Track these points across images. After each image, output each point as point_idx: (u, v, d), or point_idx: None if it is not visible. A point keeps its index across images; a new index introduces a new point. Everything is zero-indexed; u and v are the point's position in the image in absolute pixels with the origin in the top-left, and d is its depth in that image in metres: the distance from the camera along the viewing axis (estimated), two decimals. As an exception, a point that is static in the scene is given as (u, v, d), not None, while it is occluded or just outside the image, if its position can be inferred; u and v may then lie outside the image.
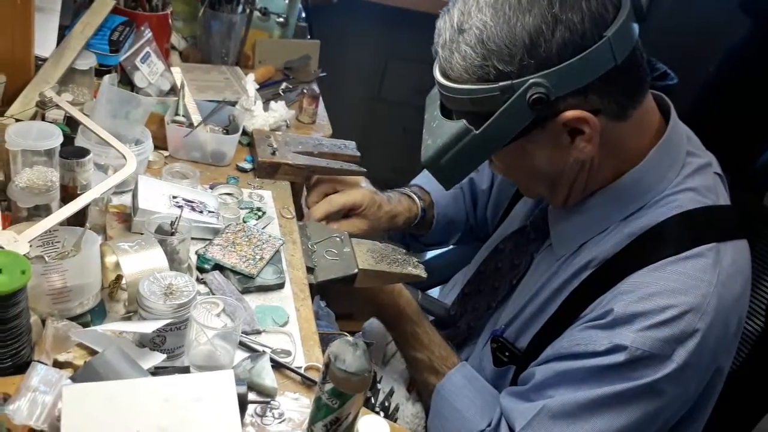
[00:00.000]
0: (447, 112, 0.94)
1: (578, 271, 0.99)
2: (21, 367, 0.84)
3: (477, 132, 0.88)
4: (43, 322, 0.91)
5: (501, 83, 0.84)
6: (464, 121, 0.89)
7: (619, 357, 0.88)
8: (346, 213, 1.32)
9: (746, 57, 2.65)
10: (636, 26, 0.88)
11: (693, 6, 3.16)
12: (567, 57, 0.82)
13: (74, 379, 0.81)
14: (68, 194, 1.03)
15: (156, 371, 0.89)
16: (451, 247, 1.60)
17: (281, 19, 1.80)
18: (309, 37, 1.95)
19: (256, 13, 1.74)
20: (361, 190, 1.32)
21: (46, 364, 0.84)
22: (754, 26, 2.70)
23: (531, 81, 0.83)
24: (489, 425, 1.01)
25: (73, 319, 0.94)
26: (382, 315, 1.21)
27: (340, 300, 1.28)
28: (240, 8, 1.69)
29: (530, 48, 0.82)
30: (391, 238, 1.48)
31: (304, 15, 1.98)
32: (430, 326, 1.17)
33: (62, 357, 0.87)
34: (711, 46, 2.89)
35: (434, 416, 1.11)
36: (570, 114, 0.86)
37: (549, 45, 0.82)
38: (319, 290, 1.19)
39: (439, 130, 0.93)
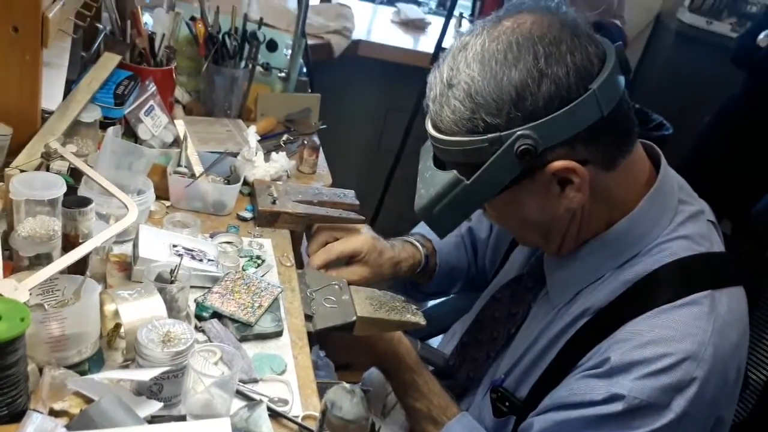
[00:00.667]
0: (439, 163, 0.96)
1: (574, 320, 0.99)
2: (17, 415, 0.84)
3: (468, 182, 0.90)
4: (41, 370, 0.91)
5: (489, 135, 0.86)
6: (455, 171, 0.91)
7: (617, 406, 0.87)
8: (348, 261, 1.32)
9: (741, 108, 2.70)
10: (622, 78, 0.90)
11: (688, 59, 3.25)
12: (553, 110, 0.85)
13: (69, 427, 0.81)
14: (70, 243, 1.04)
15: (152, 420, 0.88)
16: (451, 295, 1.60)
17: (283, 74, 1.85)
18: (310, 90, 1.99)
19: (259, 68, 1.79)
20: (360, 237, 1.33)
21: (41, 413, 0.84)
22: (748, 79, 2.76)
23: (519, 133, 0.85)
24: None
25: (70, 367, 0.93)
26: (381, 364, 1.21)
27: (339, 349, 1.27)
28: (243, 63, 1.74)
29: (517, 101, 0.85)
30: (392, 287, 1.48)
31: (305, 70, 2.04)
32: (430, 375, 1.16)
33: (58, 405, 0.86)
34: (705, 98, 2.95)
35: None
36: (558, 164, 0.87)
37: (535, 98, 0.84)
38: (318, 339, 1.19)
39: (431, 180, 0.95)
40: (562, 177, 0.89)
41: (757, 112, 2.60)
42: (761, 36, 2.74)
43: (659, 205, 0.97)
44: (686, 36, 3.30)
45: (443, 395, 1.13)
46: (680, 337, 0.88)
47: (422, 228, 1.46)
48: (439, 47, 2.59)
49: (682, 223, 0.97)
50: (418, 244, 1.39)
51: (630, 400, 0.86)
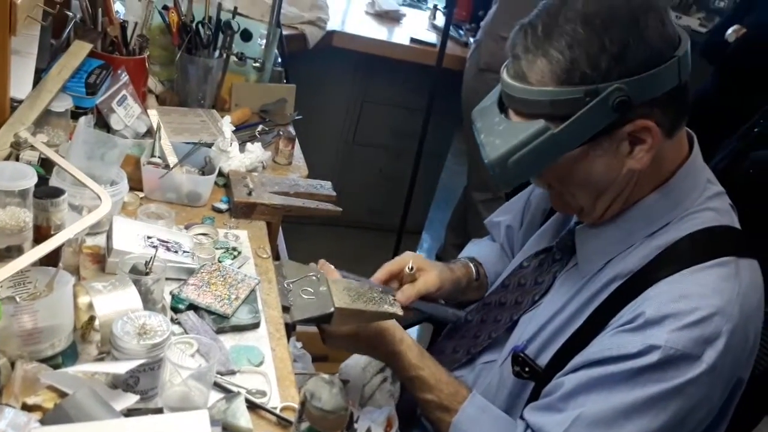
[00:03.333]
0: (509, 115, 0.98)
1: (605, 285, 1.02)
2: (-12, 410, 0.82)
3: (555, 130, 0.92)
4: (12, 364, 0.89)
5: (586, 86, 0.90)
6: (542, 120, 0.93)
7: (653, 357, 0.90)
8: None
9: (711, 101, 2.75)
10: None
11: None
12: (645, 69, 0.89)
13: (43, 422, 0.80)
14: (41, 235, 1.02)
15: (129, 413, 0.87)
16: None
17: (257, 64, 1.83)
18: (285, 81, 1.98)
19: (233, 58, 1.76)
20: (432, 272, 1.30)
21: (14, 407, 0.83)
22: (717, 72, 2.81)
23: (616, 86, 0.89)
24: None
25: (43, 361, 0.91)
26: (387, 363, 1.24)
27: (341, 344, 1.27)
28: (216, 53, 1.72)
29: (617, 56, 0.89)
30: None
31: (280, 60, 2.02)
32: (436, 365, 1.17)
33: (31, 400, 0.85)
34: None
35: None
36: (640, 123, 0.92)
37: (634, 56, 0.89)
38: (323, 339, 1.19)
39: (509, 131, 0.96)
40: (635, 137, 0.93)
41: (726, 105, 2.64)
42: (729, 31, 2.79)
43: (692, 178, 1.02)
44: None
45: (451, 382, 1.15)
46: (710, 293, 0.92)
47: (464, 254, 1.46)
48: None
49: (710, 197, 1.02)
50: (466, 260, 1.41)
51: (666, 350, 0.89)
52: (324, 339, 1.19)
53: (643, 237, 1.01)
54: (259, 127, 1.71)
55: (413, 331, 1.90)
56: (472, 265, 1.40)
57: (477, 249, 1.47)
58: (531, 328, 1.11)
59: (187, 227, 1.29)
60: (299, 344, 1.45)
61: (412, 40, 2.87)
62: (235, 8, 1.74)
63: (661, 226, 1.01)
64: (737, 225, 1.04)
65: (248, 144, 1.56)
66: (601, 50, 0.89)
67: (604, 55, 0.89)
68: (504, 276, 1.27)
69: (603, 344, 0.96)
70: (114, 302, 0.95)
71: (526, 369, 1.07)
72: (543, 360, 1.06)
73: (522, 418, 1.03)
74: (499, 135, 0.97)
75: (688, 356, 0.90)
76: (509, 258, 1.40)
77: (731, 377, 0.96)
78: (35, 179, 1.02)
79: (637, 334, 0.93)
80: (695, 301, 0.91)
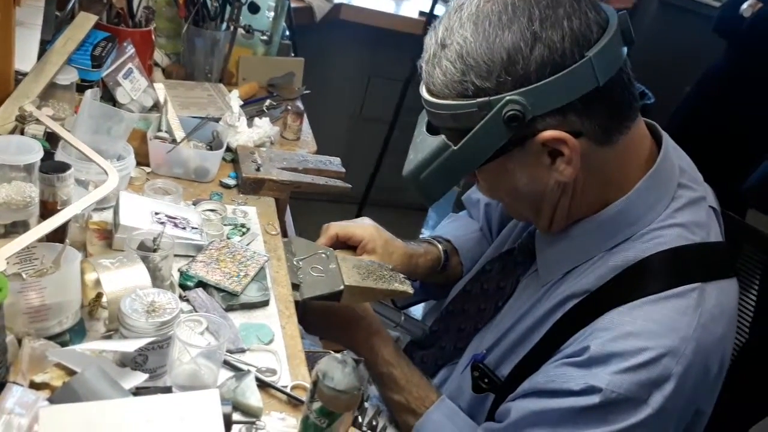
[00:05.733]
0: (432, 129, 0.93)
1: (561, 302, 0.97)
2: (-4, 388, 0.81)
3: (455, 148, 0.87)
4: (20, 341, 0.88)
5: (479, 99, 0.84)
6: (443, 136, 0.89)
7: (594, 399, 0.85)
8: (356, 251, 1.27)
9: (724, 77, 2.70)
10: (623, 49, 0.87)
11: (671, 28, 3.23)
12: (545, 75, 0.82)
13: (51, 400, 0.78)
14: (48, 210, 1.00)
15: (138, 391, 0.86)
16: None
17: (265, 37, 1.80)
18: (293, 54, 1.94)
19: (240, 31, 1.73)
20: (362, 225, 1.28)
21: (22, 386, 0.82)
22: (729, 47, 2.75)
23: (507, 98, 0.82)
24: None
25: (51, 338, 0.90)
26: (357, 353, 1.16)
27: (317, 329, 1.25)
28: (224, 25, 1.69)
29: (508, 65, 0.82)
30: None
31: (288, 33, 1.98)
32: (408, 365, 1.15)
33: (39, 378, 0.84)
34: (688, 67, 2.95)
35: None
36: (548, 134, 0.84)
37: (527, 62, 0.81)
38: (300, 317, 1.17)
39: (421, 145, 0.92)
40: (553, 148, 0.86)
41: (739, 81, 2.60)
42: (744, 6, 2.72)
43: (656, 189, 0.94)
44: (670, 5, 3.28)
45: (422, 385, 1.12)
46: (663, 332, 0.86)
47: (439, 230, 1.42)
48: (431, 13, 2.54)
49: (679, 209, 0.94)
50: (434, 241, 1.35)
51: (607, 394, 0.84)
52: (306, 327, 1.17)
53: (603, 251, 0.94)
54: (267, 102, 1.68)
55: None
56: (440, 247, 1.33)
57: (456, 229, 1.39)
58: (491, 337, 1.07)
59: (195, 203, 1.28)
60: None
61: (421, 13, 2.82)
62: (243, -21, 1.70)
63: (621, 240, 0.93)
64: (715, 237, 0.95)
65: (256, 119, 1.54)
66: (491, 59, 0.82)
67: (494, 64, 0.82)
68: (466, 280, 1.22)
69: (549, 374, 0.91)
70: (122, 279, 0.94)
71: (486, 380, 1.04)
72: (503, 371, 1.02)
73: None
74: (414, 149, 0.93)
75: (630, 400, 0.85)
76: (489, 241, 1.34)
77: (687, 412, 0.91)
78: (41, 153, 1.00)
79: (580, 370, 0.87)
80: (644, 340, 0.85)
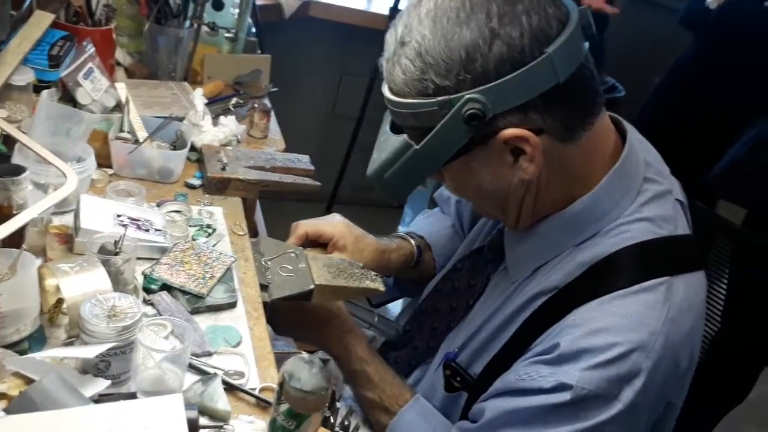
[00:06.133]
0: (395, 128, 0.92)
1: (531, 299, 0.96)
2: (-50, 400, 0.78)
3: (417, 147, 0.86)
4: (-25, 351, 0.85)
5: (439, 98, 0.83)
6: (405, 136, 0.88)
7: (564, 396, 0.85)
8: (326, 249, 1.25)
9: (691, 68, 2.73)
10: (584, 44, 0.86)
11: (639, 21, 3.26)
12: (504, 73, 0.80)
13: (8, 410, 0.76)
14: (3, 215, 0.97)
15: (100, 399, 0.84)
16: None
17: (230, 34, 1.77)
18: (260, 52, 1.92)
19: (204, 28, 1.70)
20: (332, 222, 1.26)
21: (-23, 396, 0.79)
22: (697, 39, 2.78)
23: (467, 96, 0.81)
24: None
25: (8, 346, 0.88)
26: (330, 351, 1.16)
27: (288, 329, 1.23)
28: (187, 23, 1.66)
29: (466, 62, 0.81)
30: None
31: (254, 30, 1.96)
32: (382, 362, 1.13)
33: (-4, 388, 0.81)
34: (657, 59, 2.97)
35: None
36: (509, 132, 0.84)
37: (486, 60, 0.80)
38: (269, 318, 1.15)
39: (384, 145, 0.91)
40: (515, 146, 0.85)
41: (707, 72, 2.62)
42: (710, -1, 2.76)
43: (622, 183, 0.93)
44: (638, -2, 3.31)
45: (395, 383, 1.10)
46: (631, 327, 0.85)
47: (415, 226, 1.40)
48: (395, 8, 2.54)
49: (645, 203, 0.93)
50: (408, 237, 1.33)
51: (578, 391, 0.84)
52: (275, 328, 1.15)
53: (571, 246, 0.94)
54: (233, 100, 1.65)
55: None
56: (413, 242, 1.31)
57: (429, 225, 1.38)
58: (462, 336, 1.06)
59: (158, 204, 1.25)
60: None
61: (392, 9, 2.81)
62: (205, -25, 1.68)
63: (588, 236, 0.93)
64: (683, 230, 0.95)
65: (222, 117, 1.51)
66: (449, 56, 0.80)
67: (452, 62, 0.81)
68: (438, 279, 1.21)
69: (519, 372, 0.91)
70: (82, 284, 0.91)
71: (458, 378, 1.03)
72: (476, 369, 1.01)
73: None
74: (378, 148, 0.92)
75: (601, 396, 0.84)
76: (461, 237, 1.33)
77: (657, 405, 0.91)
78: (-5, 156, 0.97)
79: (551, 368, 0.87)
80: (613, 335, 0.84)
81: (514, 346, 0.95)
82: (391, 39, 0.87)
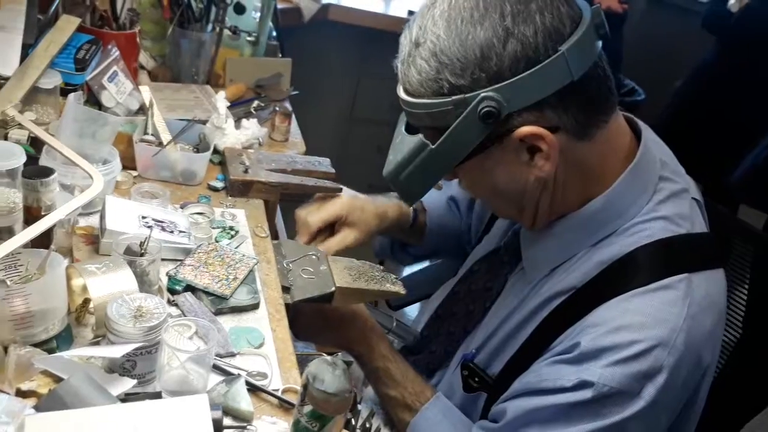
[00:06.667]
0: (410, 129, 0.93)
1: (548, 299, 0.96)
2: (-19, 397, 0.80)
3: (433, 147, 0.87)
4: (6, 349, 0.87)
5: (454, 97, 0.83)
6: (421, 136, 0.89)
7: (586, 393, 0.85)
8: (334, 228, 1.27)
9: (713, 72, 2.71)
10: (598, 43, 0.86)
11: (660, 23, 3.24)
12: (519, 71, 0.81)
13: (38, 408, 0.77)
14: (32, 216, 0.99)
15: (126, 398, 0.85)
16: (427, 263, 1.58)
17: (252, 38, 1.78)
18: (280, 55, 1.93)
19: (226, 32, 1.72)
20: (338, 201, 1.28)
21: (8, 394, 0.81)
22: (718, 42, 2.76)
23: (482, 95, 0.82)
24: None
25: (37, 345, 0.89)
26: (352, 350, 1.17)
27: (307, 332, 1.23)
28: (209, 27, 1.67)
29: (481, 61, 0.82)
30: (380, 253, 1.43)
31: (275, 34, 1.97)
32: (403, 361, 1.13)
33: (25, 385, 0.83)
34: (678, 63, 2.95)
35: None
36: (525, 130, 0.84)
37: (500, 58, 0.81)
38: (290, 320, 1.15)
39: (400, 146, 0.92)
40: (531, 144, 0.86)
41: (728, 77, 2.61)
42: (732, 1, 2.74)
43: (638, 183, 0.93)
44: (658, 1, 3.29)
45: (417, 380, 1.11)
46: (652, 324, 0.85)
47: None
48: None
49: (662, 201, 0.93)
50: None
51: (599, 388, 0.84)
52: (296, 333, 1.16)
53: (588, 246, 0.94)
54: (255, 103, 1.67)
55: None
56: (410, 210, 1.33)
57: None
58: (480, 337, 1.06)
59: (182, 206, 1.26)
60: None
61: (410, 12, 2.82)
62: (228, -20, 1.69)
63: (604, 236, 0.93)
64: (700, 228, 0.95)
65: (243, 120, 1.52)
66: (464, 56, 0.82)
67: (467, 61, 0.82)
68: (455, 282, 1.21)
69: (540, 373, 0.91)
70: (108, 284, 0.92)
71: (476, 379, 1.03)
72: (494, 369, 1.02)
73: None
74: (393, 149, 0.93)
75: (623, 393, 0.84)
76: (458, 212, 1.36)
77: (678, 405, 0.91)
78: (24, 158, 0.99)
79: (572, 367, 0.87)
80: (634, 332, 0.85)
81: (531, 347, 0.95)
82: (405, 40, 0.88)
